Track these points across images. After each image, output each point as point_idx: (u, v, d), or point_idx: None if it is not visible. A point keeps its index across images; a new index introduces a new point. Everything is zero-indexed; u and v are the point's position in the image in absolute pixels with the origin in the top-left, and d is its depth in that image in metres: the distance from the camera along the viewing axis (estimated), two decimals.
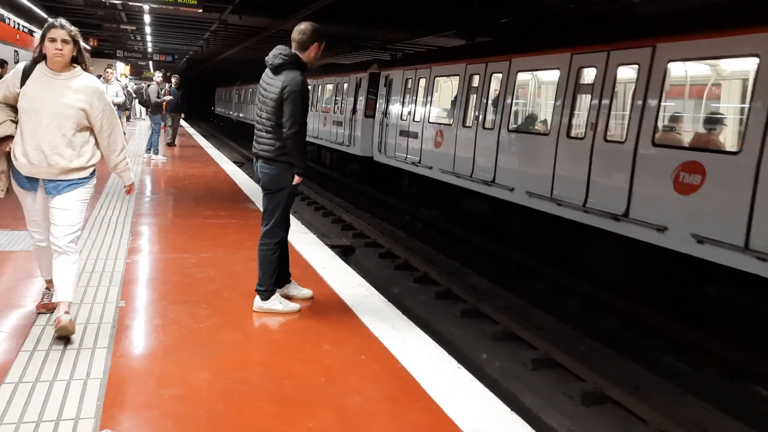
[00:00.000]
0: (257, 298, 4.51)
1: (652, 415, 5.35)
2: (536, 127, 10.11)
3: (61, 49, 3.76)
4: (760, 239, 5.90)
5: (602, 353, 6.85)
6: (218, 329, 4.14)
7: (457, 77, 12.08)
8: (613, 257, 8.25)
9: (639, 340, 7.29)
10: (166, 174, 12.57)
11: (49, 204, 3.90)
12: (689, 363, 6.66)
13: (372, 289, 5.13)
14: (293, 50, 4.36)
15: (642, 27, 8.07)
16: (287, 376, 3.50)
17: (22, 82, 3.80)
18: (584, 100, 8.61)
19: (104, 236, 6.47)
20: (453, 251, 10.92)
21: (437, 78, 12.93)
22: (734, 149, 6.48)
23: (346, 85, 17.99)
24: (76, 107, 3.81)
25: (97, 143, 3.99)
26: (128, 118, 24.34)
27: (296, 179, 4.39)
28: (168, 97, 14.82)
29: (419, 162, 13.16)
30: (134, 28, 22.21)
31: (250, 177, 11.26)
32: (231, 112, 41.80)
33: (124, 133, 18.60)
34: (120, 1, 13.66)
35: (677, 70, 7.35)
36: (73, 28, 3.87)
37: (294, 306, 4.54)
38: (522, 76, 10.31)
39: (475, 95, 11.33)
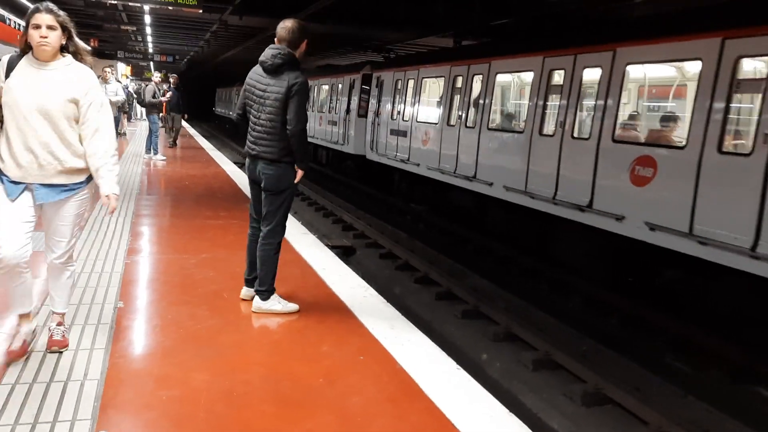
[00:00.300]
0: (256, 298, 4.49)
1: (653, 416, 5.33)
2: (513, 126, 10.71)
3: (46, 36, 3.32)
4: (701, 225, 6.51)
5: (603, 354, 6.83)
6: (218, 330, 4.12)
7: (443, 78, 12.66)
8: (580, 245, 8.83)
9: (640, 340, 7.27)
10: (167, 174, 12.56)
11: (43, 216, 3.49)
12: (690, 364, 6.64)
13: (371, 290, 5.11)
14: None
15: (605, 32, 8.61)
16: (287, 377, 3.49)
17: (7, 75, 3.40)
18: (554, 100, 9.18)
19: (104, 236, 6.45)
20: (454, 252, 10.90)
21: (424, 79, 13.57)
22: (681, 144, 7.01)
23: (340, 86, 18.65)
24: (66, 99, 3.40)
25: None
26: (129, 119, 24.35)
27: (299, 175, 4.40)
28: (164, 98, 14.74)
29: (408, 159, 13.79)
30: (135, 28, 22.22)
31: None
32: (231, 113, 41.84)
33: (124, 134, 18.52)
34: (120, 2, 13.64)
35: (635, 72, 8.01)
36: (61, 12, 3.43)
37: (293, 306, 4.52)
38: (500, 78, 10.90)
39: (458, 96, 11.91)
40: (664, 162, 7.10)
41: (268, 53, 4.33)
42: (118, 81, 19.40)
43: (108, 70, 13.81)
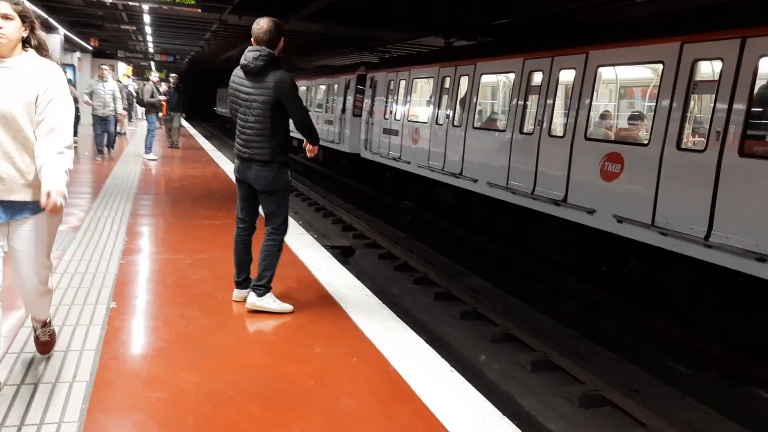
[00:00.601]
0: (252, 294, 4.44)
1: (651, 418, 5.29)
2: (496, 124, 11.06)
3: (1, 27, 2.86)
4: (662, 217, 7.00)
5: (601, 355, 6.80)
6: (210, 331, 4.09)
7: (432, 79, 13.15)
8: (556, 238, 9.33)
9: (638, 342, 7.23)
10: (166, 174, 12.55)
11: (8, 242, 3.01)
12: (689, 365, 6.60)
13: (367, 291, 5.08)
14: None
15: (579, 36, 9.11)
16: (277, 378, 3.45)
17: None
18: (534, 100, 9.65)
19: (99, 236, 6.43)
20: (453, 252, 10.87)
21: (415, 80, 14.09)
22: (644, 142, 7.44)
23: (336, 86, 19.17)
24: (26, 100, 2.91)
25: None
26: (129, 119, 24.34)
27: (314, 149, 4.53)
28: (162, 97, 14.72)
29: (399, 157, 14.25)
30: (135, 28, 22.20)
31: None
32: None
33: (123, 133, 18.47)
34: (120, 1, 13.62)
35: (605, 73, 8.54)
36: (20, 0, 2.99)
37: (288, 306, 4.49)
38: (485, 78, 11.40)
39: (446, 95, 12.36)
40: (631, 158, 7.54)
41: (249, 56, 4.27)
42: (118, 80, 19.34)
43: (105, 68, 13.60)
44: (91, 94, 12.98)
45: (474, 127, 11.27)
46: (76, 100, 16.28)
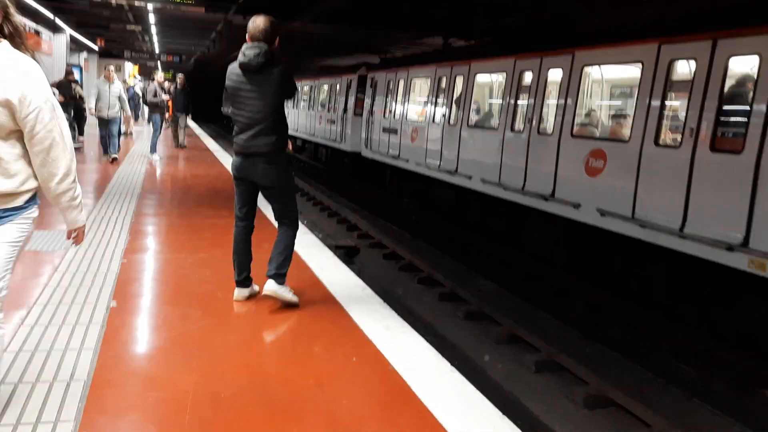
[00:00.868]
0: (271, 282, 4.42)
1: (656, 419, 5.25)
2: (489, 123, 11.43)
3: None
4: (641, 210, 7.34)
5: (606, 357, 6.74)
6: (209, 331, 4.05)
7: (429, 79, 13.54)
8: (544, 232, 9.76)
9: (644, 343, 7.17)
10: (170, 174, 12.55)
11: None
12: (695, 367, 6.54)
13: (369, 290, 5.04)
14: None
15: (566, 37, 9.45)
16: (277, 379, 3.42)
17: None
18: (524, 99, 10.04)
19: (102, 235, 6.41)
20: (459, 253, 10.83)
21: (413, 80, 14.46)
22: (625, 138, 7.81)
23: (338, 87, 19.59)
24: None
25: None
26: (136, 119, 24.38)
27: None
28: (165, 96, 14.66)
29: (398, 156, 14.63)
30: (141, 28, 22.24)
31: None
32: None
33: (130, 133, 18.39)
34: (125, 2, 13.63)
35: (590, 73, 8.92)
36: None
37: (296, 299, 4.52)
38: (479, 78, 11.79)
39: (442, 95, 12.79)
40: (613, 154, 7.93)
41: (249, 53, 4.26)
42: (124, 81, 19.38)
43: (111, 68, 13.40)
44: (97, 96, 12.84)
45: (468, 126, 11.64)
46: (81, 99, 16.29)
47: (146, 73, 38.37)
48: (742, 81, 6.68)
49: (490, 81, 12.05)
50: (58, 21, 19.73)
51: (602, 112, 9.45)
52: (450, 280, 8.86)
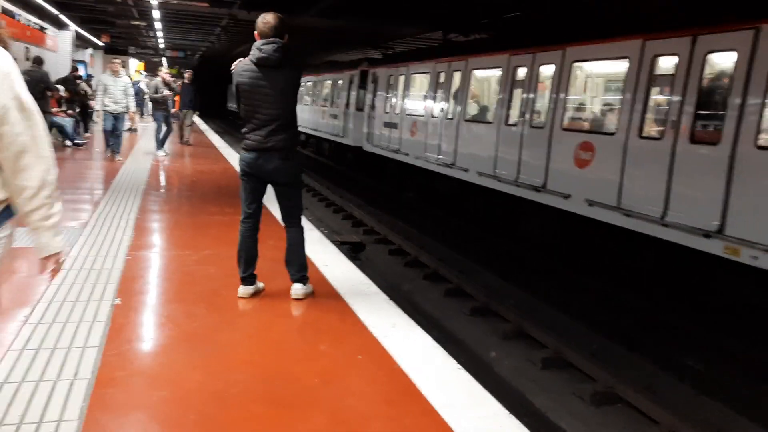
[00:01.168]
0: (298, 285, 4.57)
1: (664, 415, 5.20)
2: (485, 117, 11.65)
3: None
4: (626, 199, 7.64)
5: (614, 352, 6.69)
6: (214, 328, 4.03)
7: (428, 74, 13.82)
8: (537, 221, 10.07)
9: (651, 338, 7.11)
10: (176, 171, 12.54)
11: None
12: (703, 362, 6.49)
13: (374, 287, 5.01)
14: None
15: (558, 33, 9.74)
16: (281, 377, 3.39)
17: None
18: (518, 94, 10.34)
19: (107, 232, 6.40)
20: (465, 248, 10.79)
21: (413, 75, 14.73)
22: (612, 131, 8.10)
23: (340, 82, 19.83)
24: None
25: None
26: (141, 115, 24.37)
27: None
28: (167, 93, 14.47)
29: (398, 150, 14.90)
30: (145, 24, 22.22)
31: None
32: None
33: (135, 129, 18.24)
34: None
35: (580, 68, 9.20)
36: None
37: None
38: (475, 74, 12.08)
39: (441, 90, 13.08)
40: (600, 146, 8.23)
41: (267, 49, 4.28)
42: (129, 76, 19.34)
43: (117, 61, 13.25)
44: (103, 91, 12.57)
45: (465, 120, 11.96)
46: (87, 95, 16.26)
47: (152, 69, 38.42)
48: (719, 76, 6.92)
49: (486, 76, 12.28)
50: (62, 17, 19.74)
51: (591, 105, 9.71)
52: (456, 276, 8.82)
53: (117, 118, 12.65)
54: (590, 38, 8.78)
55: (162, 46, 30.82)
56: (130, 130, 18.36)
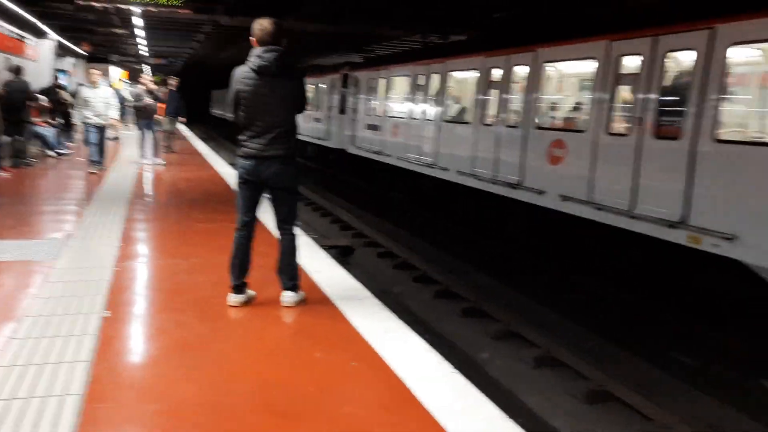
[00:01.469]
0: (291, 293, 4.54)
1: (658, 412, 5.22)
2: (463, 118, 11.96)
3: None
4: (597, 194, 7.93)
5: (606, 350, 6.72)
6: (206, 338, 3.99)
7: (407, 77, 14.20)
8: (514, 217, 10.37)
9: (644, 336, 7.15)
10: (161, 178, 12.43)
11: None
12: (696, 359, 6.53)
13: (366, 292, 4.99)
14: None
15: (530, 35, 10.06)
16: (276, 386, 3.36)
17: None
18: (494, 94, 10.69)
19: (93, 243, 6.32)
20: (454, 249, 10.80)
21: (394, 78, 15.04)
22: (582, 129, 8.42)
23: (323, 85, 20.02)
24: None
25: None
26: (125, 124, 24.14)
27: None
28: (149, 101, 14.12)
29: (381, 151, 15.18)
30: (127, 31, 22.05)
31: None
32: (226, 113, 41.96)
33: (117, 138, 17.93)
34: (109, 5, 13.44)
35: (551, 69, 9.51)
36: None
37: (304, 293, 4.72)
38: (453, 76, 12.45)
39: (420, 92, 13.42)
40: (572, 144, 8.52)
41: (268, 57, 4.27)
42: (111, 85, 19.12)
43: (96, 72, 12.70)
44: (84, 102, 11.89)
45: (445, 121, 12.26)
46: (68, 105, 16.07)
47: (135, 78, 38.12)
48: (679, 74, 7.24)
49: (463, 78, 12.58)
50: (42, 26, 19.53)
51: (562, 104, 10.04)
52: (446, 277, 8.82)
53: (98, 130, 12.01)
54: (560, 39, 9.09)
55: (144, 53, 30.61)
56: (113, 139, 18.18)
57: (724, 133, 6.50)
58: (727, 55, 6.38)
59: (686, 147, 6.67)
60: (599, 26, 8.40)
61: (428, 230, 12.53)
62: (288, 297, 4.56)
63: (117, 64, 30.68)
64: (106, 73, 28.04)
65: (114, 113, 12.40)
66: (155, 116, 14.70)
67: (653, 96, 7.22)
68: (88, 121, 11.94)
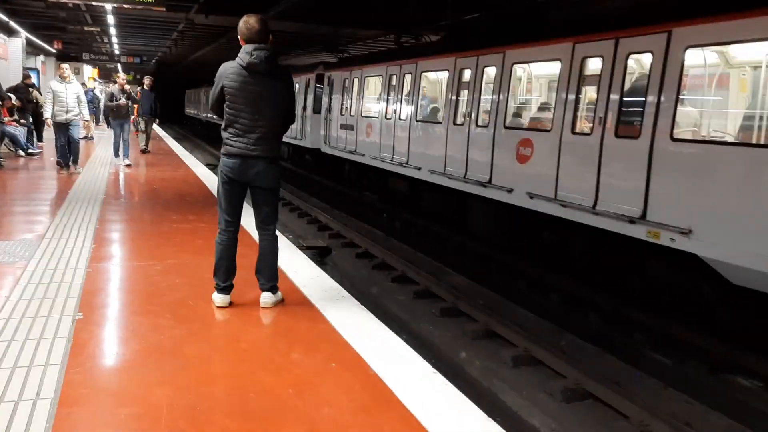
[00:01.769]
0: (268, 294, 4.51)
1: (633, 409, 5.27)
2: (435, 117, 12.03)
3: None
4: (562, 191, 8.08)
5: (583, 349, 6.77)
6: (182, 341, 3.92)
7: (380, 77, 14.25)
8: (484, 215, 10.57)
9: (620, 335, 7.23)
10: (135, 179, 12.26)
11: None
12: (670, 356, 6.61)
13: (344, 292, 4.96)
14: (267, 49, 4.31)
15: (499, 37, 10.16)
16: (254, 389, 3.31)
17: None
18: (464, 95, 10.82)
19: (65, 244, 6.20)
20: (432, 250, 10.81)
21: (367, 78, 15.10)
22: (548, 128, 8.54)
23: (297, 85, 19.81)
24: None
25: None
26: (97, 122, 23.81)
27: None
28: (122, 101, 13.83)
29: (355, 151, 15.21)
30: (99, 29, 21.70)
31: None
32: (200, 113, 41.63)
33: (91, 137, 17.66)
34: (82, 2, 13.20)
35: (519, 70, 9.73)
36: None
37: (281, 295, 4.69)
38: (425, 76, 12.57)
39: (393, 92, 13.55)
40: (538, 143, 8.69)
41: (259, 55, 4.22)
42: (83, 84, 18.78)
43: (65, 66, 12.04)
44: (53, 99, 11.48)
45: (417, 120, 12.38)
46: (38, 104, 15.76)
47: (107, 76, 37.56)
48: (638, 76, 7.46)
49: (435, 78, 12.73)
50: (12, 23, 19.14)
51: (529, 105, 10.23)
52: (424, 278, 8.82)
53: (70, 127, 11.64)
54: (527, 41, 9.26)
55: (117, 52, 30.15)
56: (86, 138, 17.89)
57: (680, 133, 6.71)
58: (683, 58, 6.58)
59: (645, 145, 6.87)
60: (566, 28, 8.53)
61: (406, 230, 12.53)
62: (266, 298, 4.52)
63: (88, 62, 30.15)
64: (78, 72, 27.59)
65: (85, 110, 12.02)
66: (133, 118, 14.46)
67: (615, 97, 7.43)
68: (58, 119, 11.54)
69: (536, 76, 10.22)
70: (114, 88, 14.49)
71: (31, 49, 24.13)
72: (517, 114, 9.84)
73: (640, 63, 7.44)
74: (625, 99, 7.36)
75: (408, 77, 12.86)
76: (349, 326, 4.19)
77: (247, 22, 4.28)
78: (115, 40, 25.71)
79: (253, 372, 3.53)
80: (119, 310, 4.57)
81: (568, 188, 8.01)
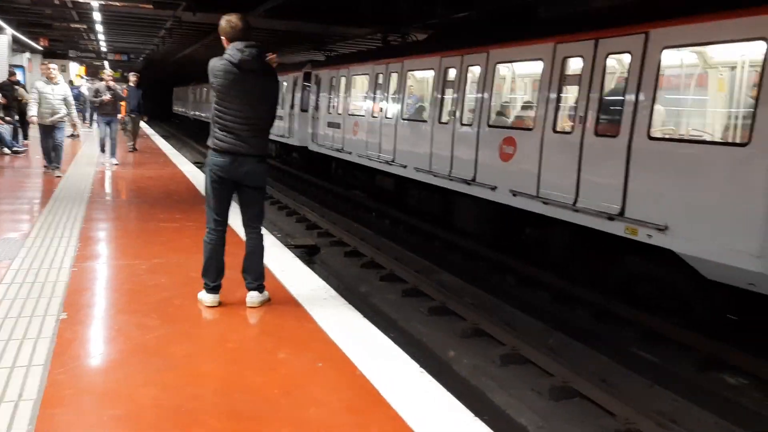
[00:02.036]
0: (255, 293, 4.49)
1: (620, 407, 5.28)
2: (420, 116, 12.13)
3: None
4: (544, 189, 8.21)
5: (571, 347, 6.78)
6: (168, 340, 3.89)
7: (367, 76, 14.35)
8: (469, 212, 10.64)
9: (607, 332, 7.25)
10: (122, 177, 12.16)
11: None
12: (657, 354, 6.64)
13: (332, 291, 4.94)
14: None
15: (483, 36, 10.29)
16: (241, 389, 3.29)
17: None
18: (449, 93, 10.90)
19: (50, 243, 6.13)
20: (421, 248, 10.80)
21: (354, 76, 15.21)
22: (531, 127, 8.66)
23: (285, 84, 19.94)
24: None
25: None
26: (84, 120, 23.59)
27: None
28: (107, 97, 13.60)
29: (342, 149, 15.29)
30: (86, 26, 21.50)
31: None
32: (188, 111, 41.45)
33: (77, 135, 17.40)
34: None
35: (502, 69, 9.86)
36: None
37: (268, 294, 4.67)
38: (411, 75, 12.70)
39: (379, 90, 13.62)
40: (521, 141, 8.82)
41: (251, 52, 4.22)
42: (70, 81, 18.57)
43: (53, 67, 11.59)
44: (38, 99, 10.98)
45: (403, 119, 12.49)
46: (23, 102, 15.58)
47: (94, 74, 37.25)
48: (617, 75, 7.65)
49: (421, 77, 12.82)
50: None
51: (512, 103, 10.36)
52: (413, 276, 8.81)
53: (56, 129, 11.21)
54: (510, 41, 9.38)
55: (104, 49, 29.91)
56: (72, 136, 17.72)
57: (657, 131, 6.84)
58: (660, 58, 6.68)
59: (623, 144, 6.99)
60: (548, 28, 8.64)
61: (395, 229, 12.52)
62: (253, 297, 4.51)
63: (75, 60, 29.89)
64: (65, 70, 27.36)
65: (73, 112, 11.69)
66: (120, 116, 14.30)
67: (595, 96, 7.54)
68: (43, 121, 11.15)
69: (519, 75, 10.35)
70: (100, 84, 14.30)
71: (17, 46, 23.87)
72: (501, 113, 9.96)
73: (620, 63, 7.56)
74: (604, 98, 7.48)
75: (394, 76, 12.96)
76: (337, 325, 4.17)
77: (230, 21, 4.27)
78: (102, 37, 25.48)
79: (239, 372, 3.50)
80: (104, 310, 4.53)
81: (549, 186, 8.13)
